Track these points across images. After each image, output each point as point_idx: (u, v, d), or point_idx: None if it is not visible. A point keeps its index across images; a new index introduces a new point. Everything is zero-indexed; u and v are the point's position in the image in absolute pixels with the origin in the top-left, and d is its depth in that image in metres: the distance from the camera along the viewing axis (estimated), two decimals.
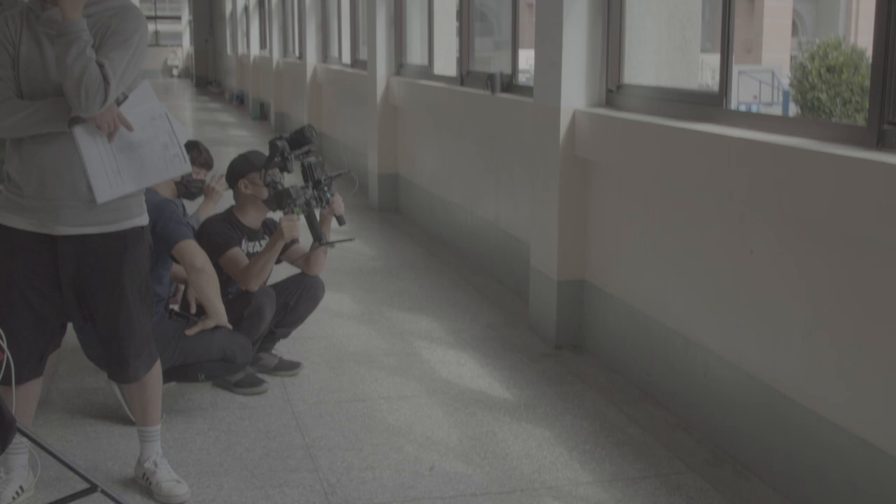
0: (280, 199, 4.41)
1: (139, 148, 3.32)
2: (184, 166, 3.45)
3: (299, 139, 4.44)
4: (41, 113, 3.18)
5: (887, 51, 3.24)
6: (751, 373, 3.84)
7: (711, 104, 4.28)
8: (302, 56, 14.49)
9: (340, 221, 4.58)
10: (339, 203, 4.54)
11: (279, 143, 4.41)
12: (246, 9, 23.69)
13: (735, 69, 4.42)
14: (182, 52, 42.45)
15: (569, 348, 5.26)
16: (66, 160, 3.22)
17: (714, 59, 4.40)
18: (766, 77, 22.58)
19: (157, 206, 4.00)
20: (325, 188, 4.48)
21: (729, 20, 4.12)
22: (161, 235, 4.01)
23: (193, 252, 4.03)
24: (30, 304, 3.33)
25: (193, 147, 4.73)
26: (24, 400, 3.39)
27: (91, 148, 3.23)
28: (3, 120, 3.18)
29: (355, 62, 11.68)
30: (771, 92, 22.39)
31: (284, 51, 17.59)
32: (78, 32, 3.08)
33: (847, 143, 3.42)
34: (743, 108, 17.71)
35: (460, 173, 7.57)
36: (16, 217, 3.27)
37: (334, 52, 13.38)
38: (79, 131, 3.21)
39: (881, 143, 3.29)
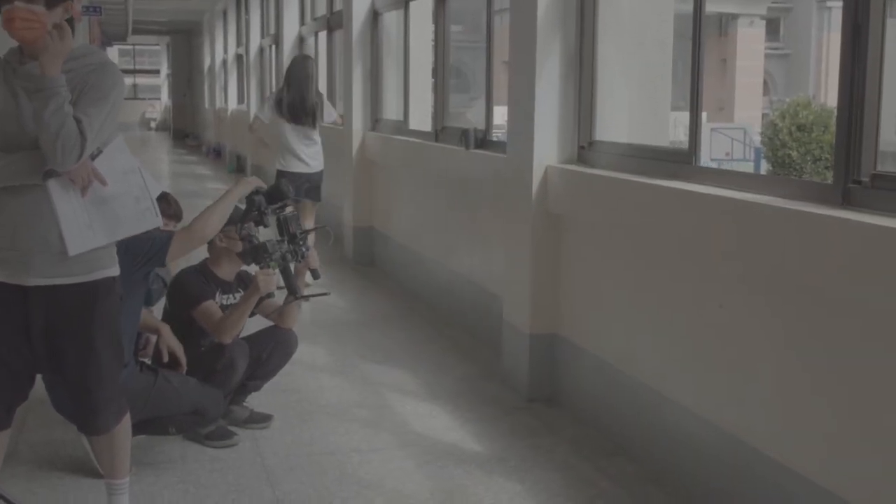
0: (256, 253, 4.42)
1: (112, 201, 3.33)
2: (155, 220, 3.46)
3: (276, 194, 4.46)
4: (15, 165, 3.19)
5: (851, 109, 3.31)
6: (722, 427, 3.86)
7: (681, 161, 4.34)
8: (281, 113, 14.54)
9: (315, 275, 4.59)
10: (313, 257, 4.56)
11: (256, 199, 4.41)
12: (224, 64, 23.83)
13: (707, 126, 4.52)
14: (160, 105, 42.59)
15: (541, 401, 5.27)
16: (38, 211, 3.22)
17: (685, 117, 4.48)
18: (738, 134, 22.84)
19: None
20: (301, 242, 4.50)
21: (698, 79, 4.20)
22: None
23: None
24: (2, 361, 3.31)
25: (162, 199, 4.73)
26: None
27: (64, 201, 3.23)
28: None
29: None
30: (743, 149, 22.63)
31: (262, 106, 17.64)
32: (56, 88, 3.10)
33: (813, 201, 3.48)
34: (716, 164, 17.90)
35: (434, 227, 7.61)
36: None
37: None
38: (52, 184, 3.21)
39: (846, 201, 3.35)
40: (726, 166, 18.28)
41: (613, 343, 4.74)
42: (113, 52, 38.56)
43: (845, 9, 3.33)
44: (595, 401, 4.88)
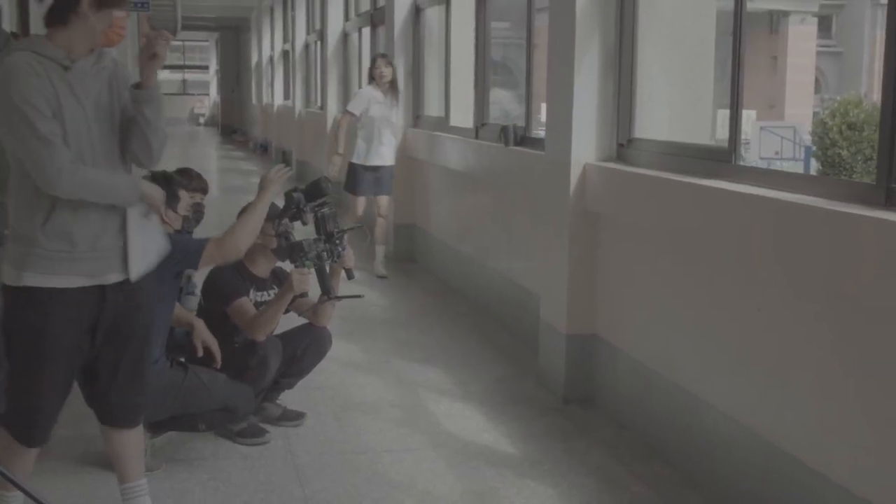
0: (291, 251, 4.41)
1: (148, 224, 3.38)
2: (163, 242, 3.52)
3: (315, 191, 4.44)
4: (120, 191, 3.22)
5: (895, 108, 3.22)
6: (758, 431, 3.77)
7: (721, 159, 4.25)
8: (323, 106, 14.60)
9: (349, 275, 4.57)
10: (349, 257, 4.52)
11: (295, 195, 4.43)
12: (271, 60, 23.96)
13: (757, 125, 4.42)
14: (209, 101, 42.90)
15: (577, 403, 5.20)
16: (112, 213, 3.23)
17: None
18: (788, 133, 22.49)
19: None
20: (338, 241, 4.47)
21: (738, 77, 4.12)
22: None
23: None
24: (70, 366, 3.31)
25: (185, 173, 4.76)
26: (28, 459, 3.39)
27: (135, 225, 3.29)
28: (80, 189, 3.11)
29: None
30: (793, 147, 22.30)
31: (307, 101, 17.74)
32: (160, 95, 3.23)
33: (855, 202, 3.38)
34: (765, 163, 17.65)
35: (474, 225, 7.56)
36: (66, 277, 3.18)
37: None
38: (132, 211, 3.29)
39: (889, 201, 3.26)
40: (776, 165, 18.02)
41: (651, 344, 4.66)
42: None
43: (890, 8, 3.24)
44: (631, 403, 4.81)
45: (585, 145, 5.12)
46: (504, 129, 6.61)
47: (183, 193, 4.31)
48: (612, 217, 5.00)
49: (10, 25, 5.52)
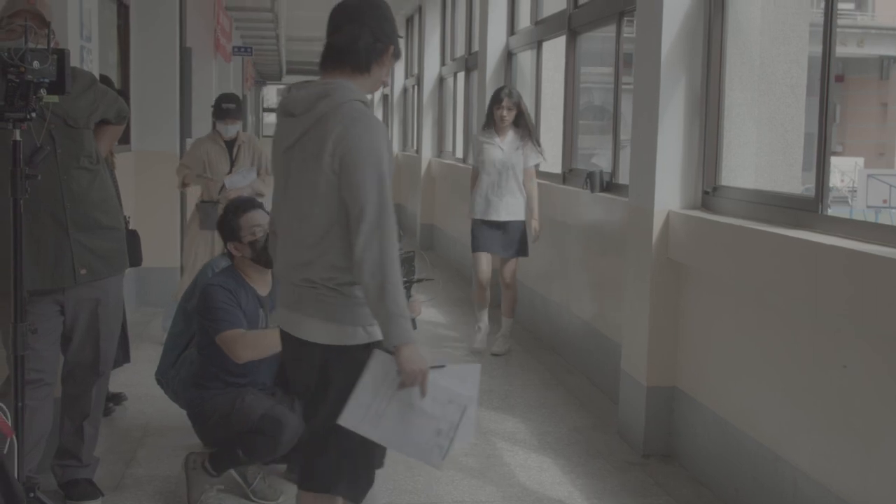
0: None
1: (415, 416, 3.03)
2: (437, 460, 3.10)
3: None
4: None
5: None
6: (841, 495, 3.59)
7: (807, 209, 4.10)
8: (419, 150, 14.69)
9: (412, 326, 4.31)
10: (416, 306, 4.23)
11: None
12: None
13: (864, 173, 4.25)
14: None
15: (657, 457, 5.04)
16: None
17: (841, 162, 4.23)
18: None
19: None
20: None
21: (825, 125, 3.98)
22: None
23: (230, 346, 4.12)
24: None
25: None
26: None
27: (372, 377, 3.00)
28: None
29: (467, 157, 11.74)
30: None
31: (403, 144, 17.89)
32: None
33: None
34: (872, 211, 17.15)
35: (560, 271, 7.44)
36: None
37: (449, 146, 13.52)
38: (379, 356, 3.00)
39: None
40: (884, 213, 17.51)
41: (732, 399, 4.49)
42: (270, 92, 39.73)
43: None
44: (712, 459, 4.63)
45: (669, 192, 5.01)
46: (590, 174, 6.52)
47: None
48: (695, 266, 4.86)
49: (96, 68, 5.64)
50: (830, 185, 4.20)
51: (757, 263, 4.17)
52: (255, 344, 4.16)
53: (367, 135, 2.98)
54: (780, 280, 4.02)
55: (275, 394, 4.27)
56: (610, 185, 6.44)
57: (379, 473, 4.63)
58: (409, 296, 4.25)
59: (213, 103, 7.18)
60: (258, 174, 6.94)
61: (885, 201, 21.50)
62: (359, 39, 3.06)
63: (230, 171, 6.88)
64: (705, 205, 4.98)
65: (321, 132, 2.99)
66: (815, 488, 3.75)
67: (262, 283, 4.43)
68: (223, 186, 6.79)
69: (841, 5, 4.04)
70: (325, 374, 3.06)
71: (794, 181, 5.09)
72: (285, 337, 3.21)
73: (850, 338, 3.58)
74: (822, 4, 4.05)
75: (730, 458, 4.46)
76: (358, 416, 2.96)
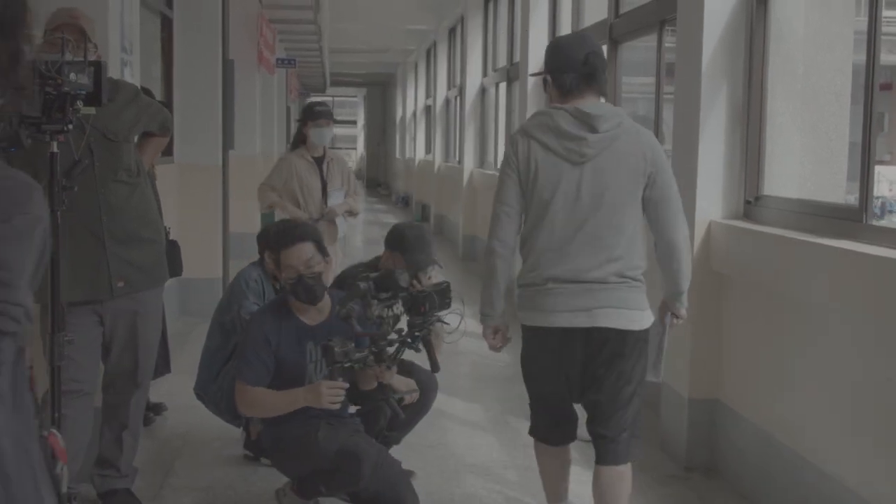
0: (325, 352, 3.78)
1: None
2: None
3: (388, 283, 3.81)
4: None
5: None
6: None
7: (851, 219, 4.03)
8: (461, 161, 14.68)
9: (434, 368, 4.03)
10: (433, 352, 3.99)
11: (362, 286, 3.76)
12: (414, 114, 24.33)
13: None
14: (356, 154, 43.87)
15: (700, 471, 4.96)
16: None
17: (889, 171, 4.17)
18: None
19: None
20: (417, 334, 3.86)
21: (869, 133, 3.91)
22: None
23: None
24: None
25: None
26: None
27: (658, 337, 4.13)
28: None
29: None
30: None
31: (446, 155, 17.90)
32: None
33: None
34: None
35: None
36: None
37: (491, 157, 13.50)
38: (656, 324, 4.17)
39: None
40: None
41: (776, 412, 4.41)
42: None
43: None
44: (755, 473, 4.56)
45: (711, 202, 4.95)
46: None
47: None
48: (737, 277, 4.79)
49: (138, 80, 5.69)
50: (878, 194, 4.13)
51: (799, 274, 4.10)
52: (254, 404, 4.01)
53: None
54: (822, 291, 3.94)
55: (343, 417, 4.13)
56: None
57: (416, 483, 4.60)
58: (418, 343, 3.92)
59: (298, 117, 6.90)
60: (346, 193, 6.61)
61: None
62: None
63: (323, 190, 6.47)
64: (747, 215, 4.91)
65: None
66: (858, 503, 3.67)
67: (310, 313, 4.09)
68: (324, 206, 6.42)
69: (886, 13, 3.96)
70: (620, 354, 3.73)
71: (838, 190, 5.01)
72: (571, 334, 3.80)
73: (894, 349, 3.50)
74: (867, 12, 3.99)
75: (773, 472, 4.38)
76: (657, 370, 4.00)
